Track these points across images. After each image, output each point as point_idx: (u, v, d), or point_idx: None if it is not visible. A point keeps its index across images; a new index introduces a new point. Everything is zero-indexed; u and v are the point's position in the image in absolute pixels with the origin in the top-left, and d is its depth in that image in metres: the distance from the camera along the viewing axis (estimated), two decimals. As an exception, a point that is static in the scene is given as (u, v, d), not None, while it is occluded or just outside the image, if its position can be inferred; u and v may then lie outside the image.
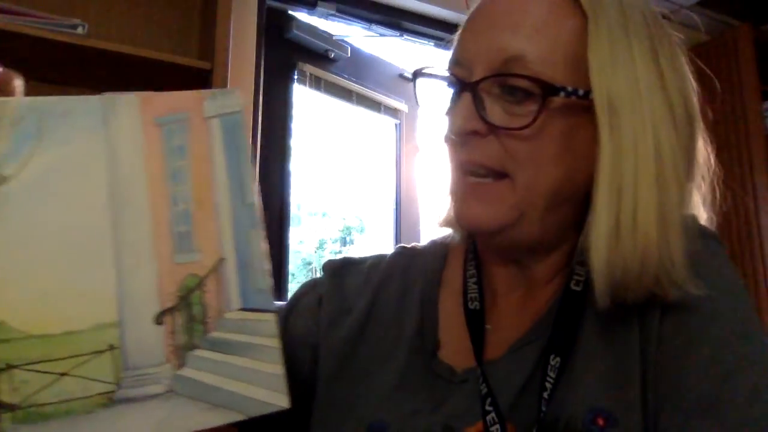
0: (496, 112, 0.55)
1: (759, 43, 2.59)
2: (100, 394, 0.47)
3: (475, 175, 0.57)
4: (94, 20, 1.67)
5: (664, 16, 0.59)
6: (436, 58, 2.48)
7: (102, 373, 0.47)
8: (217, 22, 1.64)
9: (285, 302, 0.74)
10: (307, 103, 2.34)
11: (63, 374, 0.46)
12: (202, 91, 0.53)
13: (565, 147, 0.55)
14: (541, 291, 0.63)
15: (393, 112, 2.54)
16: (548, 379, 0.55)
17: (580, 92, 0.54)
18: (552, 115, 0.54)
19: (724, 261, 0.58)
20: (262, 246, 0.52)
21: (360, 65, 2.38)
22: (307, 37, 2.16)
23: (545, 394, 0.55)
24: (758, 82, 2.56)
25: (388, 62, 2.48)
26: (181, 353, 0.49)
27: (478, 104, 0.55)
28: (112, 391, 0.47)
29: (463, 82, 0.56)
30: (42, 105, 0.48)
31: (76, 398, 0.46)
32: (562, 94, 0.53)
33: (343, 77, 2.30)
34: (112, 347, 0.47)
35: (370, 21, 2.33)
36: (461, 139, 0.56)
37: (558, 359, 0.56)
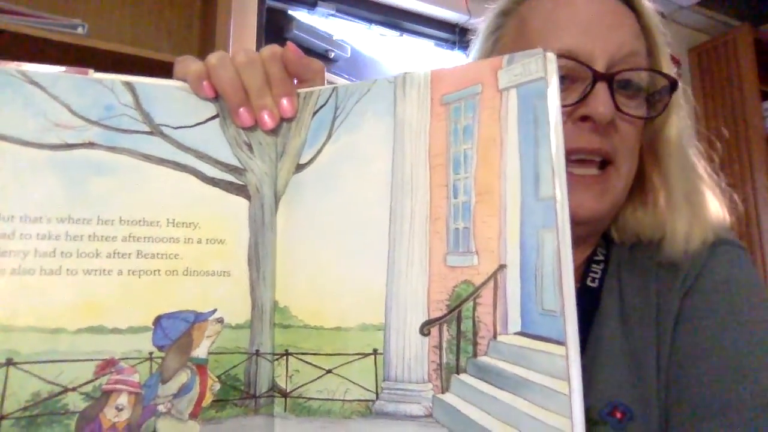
0: (618, 103, 0.59)
1: (759, 43, 2.69)
2: (359, 400, 0.42)
3: (579, 163, 0.59)
4: (94, 20, 1.65)
5: (663, 16, 0.67)
6: (436, 58, 2.42)
7: (364, 378, 0.43)
8: (217, 22, 1.60)
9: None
10: (307, 103, 2.29)
11: (328, 371, 0.43)
12: (500, 57, 0.43)
13: None
14: None
15: (393, 111, 2.27)
16: None
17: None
18: None
19: (745, 266, 0.62)
20: (561, 254, 0.39)
21: (360, 65, 2.36)
22: (307, 37, 2.12)
23: None
24: (758, 82, 2.65)
25: (388, 62, 2.43)
26: (444, 374, 0.41)
27: (613, 94, 0.58)
28: (371, 401, 0.42)
29: (597, 73, 0.58)
30: (339, 92, 0.48)
31: (336, 399, 0.43)
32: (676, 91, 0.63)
33: (343, 77, 2.22)
34: (376, 351, 0.43)
35: (370, 21, 2.30)
36: (598, 127, 0.58)
37: None
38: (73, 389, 0.37)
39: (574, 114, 0.59)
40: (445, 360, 0.41)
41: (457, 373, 0.40)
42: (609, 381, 0.59)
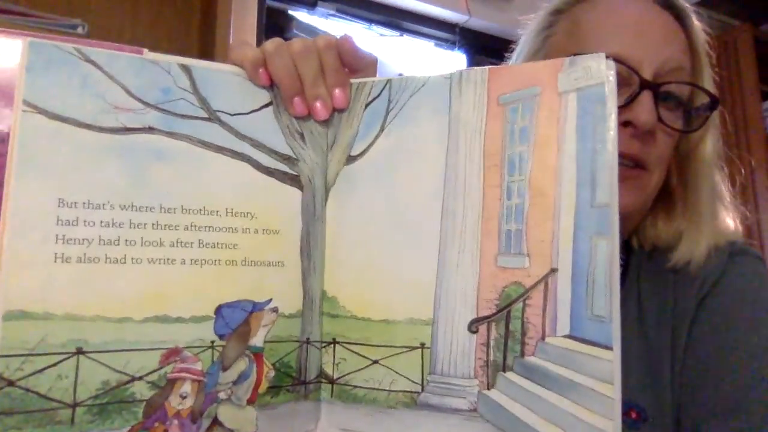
0: (659, 113, 0.60)
1: (759, 43, 2.65)
2: (404, 391, 0.44)
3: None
4: (94, 20, 1.65)
5: (710, 36, 0.69)
6: (436, 58, 2.39)
7: (410, 371, 0.44)
8: (217, 22, 1.61)
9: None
10: (307, 102, 2.27)
11: (375, 361, 0.45)
12: (561, 59, 0.43)
13: None
14: None
15: (393, 111, 2.25)
16: None
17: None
18: None
19: (763, 275, 0.64)
20: (612, 260, 0.40)
21: (359, 65, 2.25)
22: (308, 37, 2.09)
23: None
24: (758, 82, 2.61)
25: (388, 62, 2.36)
26: (490, 371, 0.42)
27: (657, 104, 0.59)
28: (417, 393, 0.44)
29: (644, 80, 0.59)
30: (392, 85, 0.47)
31: (382, 389, 0.45)
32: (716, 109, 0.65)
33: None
34: (423, 345, 0.44)
35: (370, 21, 2.30)
36: (638, 134, 0.59)
37: None
38: (140, 378, 0.39)
39: None
40: (491, 357, 0.42)
41: (504, 371, 0.42)
42: (624, 382, 0.62)
